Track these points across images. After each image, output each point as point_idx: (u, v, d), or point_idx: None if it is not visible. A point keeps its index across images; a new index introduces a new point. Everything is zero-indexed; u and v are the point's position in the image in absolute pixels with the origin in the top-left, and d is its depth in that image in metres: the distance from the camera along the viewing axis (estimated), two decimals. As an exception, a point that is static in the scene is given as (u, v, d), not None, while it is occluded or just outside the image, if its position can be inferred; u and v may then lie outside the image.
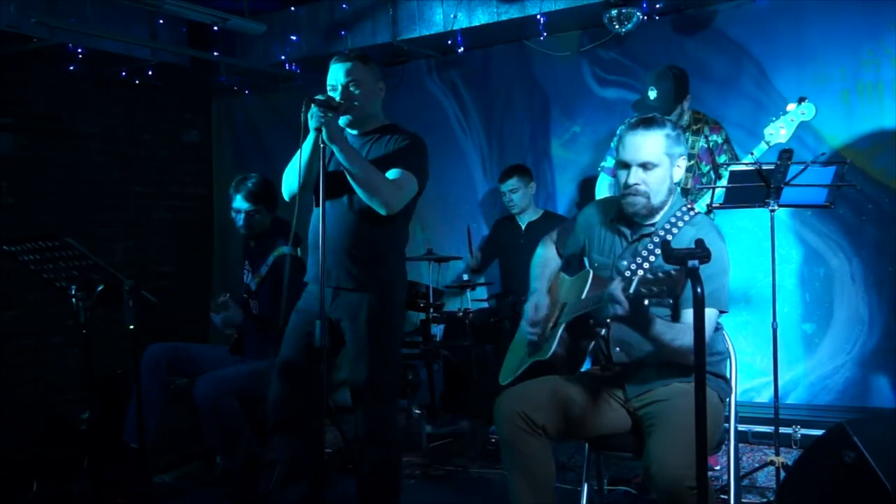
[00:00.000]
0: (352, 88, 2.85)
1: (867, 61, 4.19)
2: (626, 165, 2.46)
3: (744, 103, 4.42)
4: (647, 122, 2.46)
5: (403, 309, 3.12)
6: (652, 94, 3.71)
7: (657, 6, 4.41)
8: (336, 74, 2.87)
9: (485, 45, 5.17)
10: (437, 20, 4.81)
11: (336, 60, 2.90)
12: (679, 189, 2.59)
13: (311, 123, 2.65)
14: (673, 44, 4.66)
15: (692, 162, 3.71)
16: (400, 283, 3.03)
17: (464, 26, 4.74)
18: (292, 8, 5.17)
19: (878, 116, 4.19)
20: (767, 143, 3.42)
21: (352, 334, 2.93)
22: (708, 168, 3.77)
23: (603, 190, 4.01)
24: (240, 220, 3.79)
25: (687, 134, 3.73)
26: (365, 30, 5.01)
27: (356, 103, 2.85)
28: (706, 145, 3.74)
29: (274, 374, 2.99)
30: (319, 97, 2.68)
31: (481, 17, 4.70)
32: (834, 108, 4.27)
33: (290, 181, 2.92)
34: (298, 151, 2.78)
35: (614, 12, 4.28)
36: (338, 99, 2.80)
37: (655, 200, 2.46)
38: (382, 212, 2.79)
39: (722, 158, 3.72)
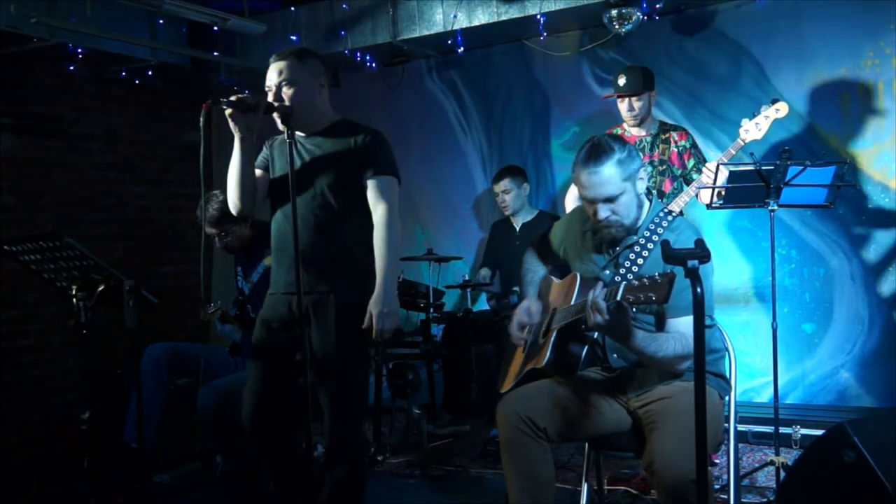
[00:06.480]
0: (285, 89, 2.67)
1: (867, 61, 4.20)
2: (592, 202, 2.42)
3: (744, 103, 4.42)
4: (597, 156, 2.36)
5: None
6: (621, 80, 3.83)
7: (657, 6, 4.41)
8: (270, 75, 2.71)
9: (485, 45, 5.18)
10: (437, 20, 4.81)
11: (271, 60, 2.73)
12: (655, 194, 2.58)
13: (234, 130, 2.55)
14: (673, 44, 4.67)
15: (664, 167, 3.85)
16: (371, 281, 2.81)
17: (464, 26, 4.73)
18: (292, 8, 5.17)
19: (877, 116, 4.19)
20: (743, 140, 3.52)
21: (319, 336, 2.73)
22: (680, 171, 3.89)
23: (572, 201, 4.01)
24: (216, 243, 3.78)
25: (657, 142, 3.88)
26: (365, 30, 5.01)
27: (287, 104, 2.66)
28: (676, 150, 3.89)
29: (248, 391, 2.82)
30: (231, 98, 2.53)
31: (481, 17, 4.69)
32: (834, 108, 4.28)
33: (232, 197, 2.77)
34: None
35: (614, 12, 4.29)
36: (270, 99, 2.66)
37: (628, 221, 2.45)
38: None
39: (691, 162, 3.87)
